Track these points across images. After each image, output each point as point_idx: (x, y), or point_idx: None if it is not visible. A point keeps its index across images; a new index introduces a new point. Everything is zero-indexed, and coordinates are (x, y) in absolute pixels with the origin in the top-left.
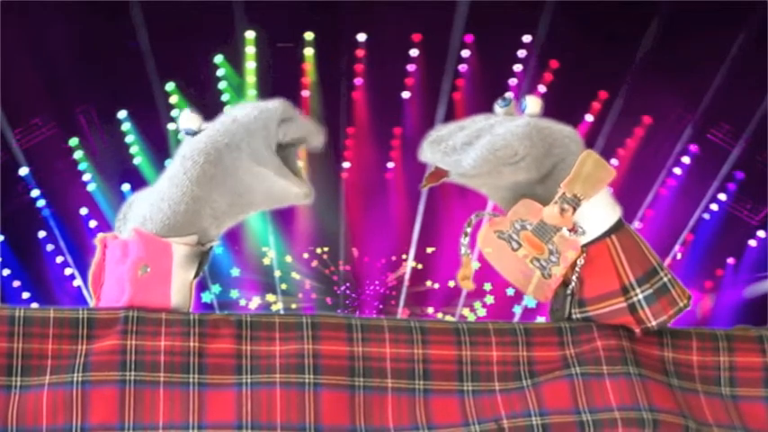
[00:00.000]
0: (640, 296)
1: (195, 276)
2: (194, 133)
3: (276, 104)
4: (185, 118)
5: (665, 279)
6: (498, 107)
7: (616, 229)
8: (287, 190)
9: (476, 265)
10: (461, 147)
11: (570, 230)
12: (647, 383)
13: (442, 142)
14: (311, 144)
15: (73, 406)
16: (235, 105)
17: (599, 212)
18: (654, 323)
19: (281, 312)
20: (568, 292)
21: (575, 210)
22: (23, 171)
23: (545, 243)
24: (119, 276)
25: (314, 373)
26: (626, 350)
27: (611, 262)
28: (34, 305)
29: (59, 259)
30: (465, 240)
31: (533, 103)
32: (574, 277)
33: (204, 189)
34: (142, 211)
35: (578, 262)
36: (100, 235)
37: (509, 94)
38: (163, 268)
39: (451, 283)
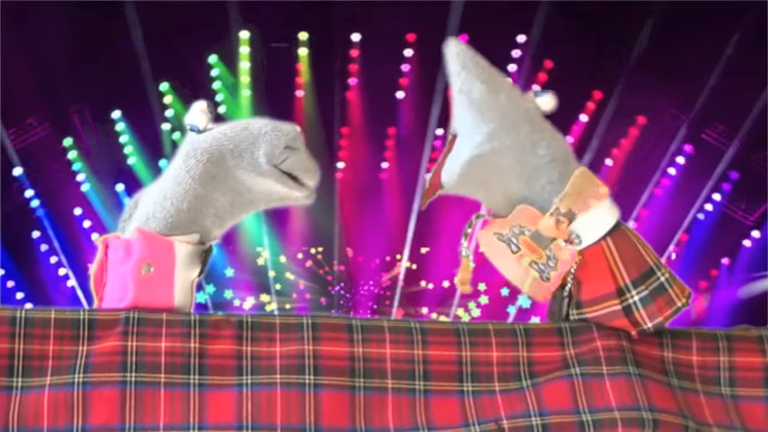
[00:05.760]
0: (636, 298)
1: (197, 275)
2: (198, 131)
3: (290, 128)
4: (195, 113)
5: (663, 279)
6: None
7: (612, 230)
8: (289, 193)
9: (471, 265)
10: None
11: (566, 241)
12: (647, 383)
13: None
14: (303, 182)
15: (74, 407)
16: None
17: (596, 219)
18: (649, 325)
19: (277, 312)
20: (565, 294)
21: (570, 222)
22: (17, 171)
23: (543, 249)
24: (122, 276)
25: (314, 374)
26: (626, 350)
27: (607, 264)
28: (28, 305)
29: (53, 259)
30: (465, 242)
31: (546, 103)
32: (569, 279)
33: (207, 187)
34: (145, 209)
35: (573, 265)
36: (96, 235)
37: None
38: (166, 267)
39: (446, 284)
